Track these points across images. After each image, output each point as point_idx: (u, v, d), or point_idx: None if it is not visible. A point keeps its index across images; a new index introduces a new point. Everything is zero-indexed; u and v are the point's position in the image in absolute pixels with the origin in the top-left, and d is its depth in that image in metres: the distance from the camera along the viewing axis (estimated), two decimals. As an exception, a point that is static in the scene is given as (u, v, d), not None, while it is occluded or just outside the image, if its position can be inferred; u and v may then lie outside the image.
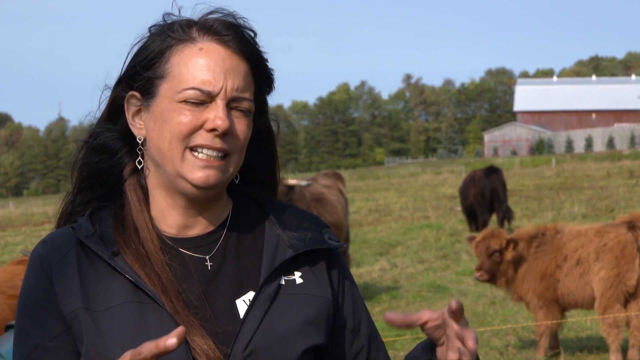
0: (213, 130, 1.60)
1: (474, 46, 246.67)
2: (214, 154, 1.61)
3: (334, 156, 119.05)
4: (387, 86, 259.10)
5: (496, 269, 8.13)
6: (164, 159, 1.63)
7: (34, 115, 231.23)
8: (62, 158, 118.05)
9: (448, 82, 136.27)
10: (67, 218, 1.75)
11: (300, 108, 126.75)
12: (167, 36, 1.65)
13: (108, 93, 1.72)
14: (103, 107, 1.73)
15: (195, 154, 1.61)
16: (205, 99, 1.61)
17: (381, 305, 11.53)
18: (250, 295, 1.65)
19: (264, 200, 1.79)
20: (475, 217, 18.45)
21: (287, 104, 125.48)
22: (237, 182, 1.76)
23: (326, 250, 1.75)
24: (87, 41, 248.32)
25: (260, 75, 1.69)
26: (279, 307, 1.64)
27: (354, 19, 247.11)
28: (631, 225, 7.70)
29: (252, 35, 1.68)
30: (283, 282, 1.67)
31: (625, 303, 7.69)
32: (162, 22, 1.69)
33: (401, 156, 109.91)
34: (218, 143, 1.61)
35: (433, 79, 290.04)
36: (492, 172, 18.29)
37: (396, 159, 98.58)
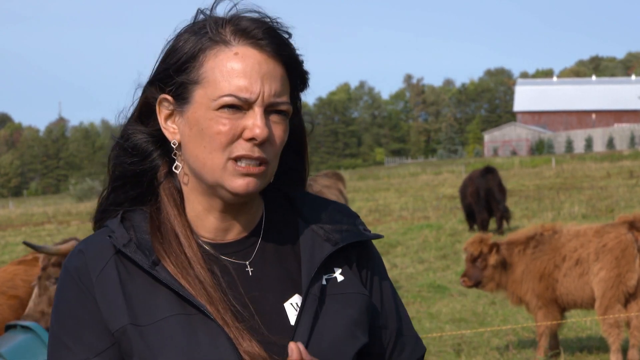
0: (252, 139, 1.56)
1: (473, 46, 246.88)
2: (253, 162, 1.57)
3: (334, 156, 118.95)
4: (387, 86, 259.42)
5: (480, 275, 8.22)
6: (203, 167, 1.59)
7: (34, 115, 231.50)
8: (62, 158, 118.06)
9: (448, 82, 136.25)
10: (100, 215, 1.71)
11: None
12: (199, 38, 1.60)
13: (139, 93, 1.68)
14: (134, 107, 1.68)
15: (236, 163, 1.57)
16: (242, 106, 1.56)
17: (381, 306, 11.53)
18: (296, 298, 1.61)
19: (293, 195, 1.75)
20: (474, 216, 18.55)
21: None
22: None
23: (360, 243, 1.71)
24: (87, 41, 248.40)
25: (295, 77, 1.65)
26: (327, 310, 1.61)
27: (354, 19, 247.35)
28: (632, 226, 7.70)
29: (287, 36, 1.64)
30: (325, 282, 1.64)
31: (625, 303, 7.69)
32: (193, 21, 1.64)
33: (401, 156, 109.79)
34: (257, 152, 1.57)
35: (433, 79, 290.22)
36: (488, 172, 18.38)
37: (396, 159, 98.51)
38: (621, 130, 75.94)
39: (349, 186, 26.47)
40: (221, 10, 1.65)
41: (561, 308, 8.07)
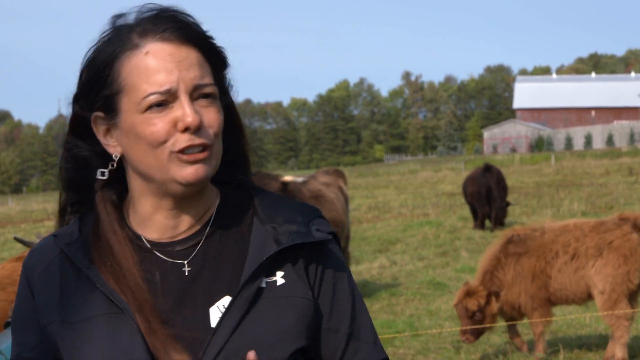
0: (186, 129, 1.57)
1: (471, 43, 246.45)
2: (196, 149, 1.59)
3: (334, 153, 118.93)
4: (386, 83, 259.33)
5: (482, 330, 8.00)
6: (150, 169, 1.60)
7: (34, 112, 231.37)
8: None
9: (449, 79, 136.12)
10: (60, 215, 1.76)
11: (300, 105, 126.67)
12: (110, 47, 1.62)
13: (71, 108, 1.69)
14: (68, 122, 1.70)
15: (180, 155, 1.58)
16: (167, 100, 1.58)
17: (380, 303, 11.53)
18: (226, 300, 1.60)
19: (254, 192, 1.72)
20: (475, 212, 18.67)
21: (286, 102, 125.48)
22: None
23: (311, 244, 1.65)
24: (88, 38, 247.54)
25: (211, 56, 1.65)
26: (257, 312, 1.59)
27: (352, 15, 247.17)
28: (634, 225, 7.75)
29: (190, 19, 1.65)
30: (264, 285, 1.61)
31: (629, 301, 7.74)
32: (103, 32, 1.66)
33: (400, 153, 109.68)
34: (197, 140, 1.58)
35: (432, 76, 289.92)
36: (487, 170, 18.51)
37: (395, 156, 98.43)
38: (620, 127, 75.93)
39: (348, 183, 26.48)
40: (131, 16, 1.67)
41: (552, 306, 8.06)
